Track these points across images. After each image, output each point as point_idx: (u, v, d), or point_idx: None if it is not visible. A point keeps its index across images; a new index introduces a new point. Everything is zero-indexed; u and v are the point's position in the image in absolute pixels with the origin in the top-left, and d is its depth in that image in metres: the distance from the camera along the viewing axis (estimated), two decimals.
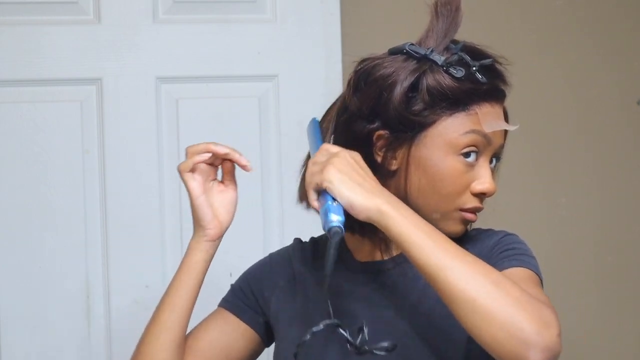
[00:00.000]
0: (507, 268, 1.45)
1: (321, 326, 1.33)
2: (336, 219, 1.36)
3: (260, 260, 1.68)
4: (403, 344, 1.44)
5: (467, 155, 1.47)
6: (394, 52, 1.50)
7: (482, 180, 1.49)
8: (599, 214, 2.63)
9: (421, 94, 1.46)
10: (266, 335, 1.63)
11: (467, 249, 1.51)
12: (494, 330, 1.30)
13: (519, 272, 1.44)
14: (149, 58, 2.36)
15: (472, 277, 1.32)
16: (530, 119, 2.60)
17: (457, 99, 1.46)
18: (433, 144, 1.47)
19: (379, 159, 1.49)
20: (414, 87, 1.47)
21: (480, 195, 1.50)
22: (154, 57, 2.36)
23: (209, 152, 1.56)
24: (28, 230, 2.31)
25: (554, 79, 2.61)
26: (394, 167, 1.49)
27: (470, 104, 1.46)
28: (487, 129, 1.47)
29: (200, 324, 1.63)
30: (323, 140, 1.52)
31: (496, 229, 1.59)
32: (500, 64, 1.53)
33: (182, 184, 2.42)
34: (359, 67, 1.51)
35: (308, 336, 1.33)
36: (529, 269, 1.47)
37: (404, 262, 1.52)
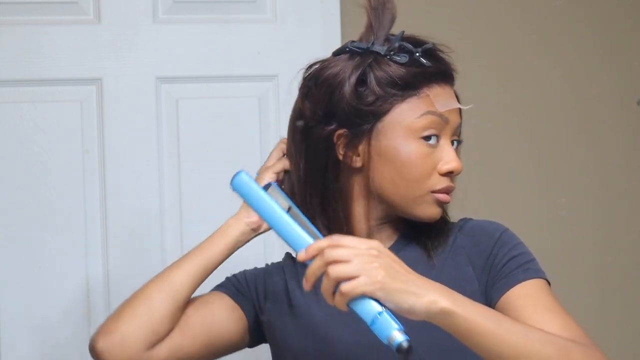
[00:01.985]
0: (521, 281, 1.47)
1: None
2: (401, 333, 1.26)
3: (258, 268, 1.69)
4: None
5: (427, 138, 1.49)
6: (337, 52, 1.54)
7: (447, 159, 1.50)
8: (599, 214, 2.63)
9: (370, 86, 1.49)
10: (255, 332, 1.63)
11: (455, 237, 1.52)
12: None
13: (535, 287, 1.47)
14: (149, 58, 2.36)
15: (539, 348, 1.33)
16: (531, 119, 2.60)
17: (406, 84, 1.48)
18: (392, 133, 1.49)
19: (342, 158, 1.51)
20: (362, 80, 1.49)
21: (449, 174, 1.51)
22: (154, 57, 2.36)
23: None
24: (28, 230, 2.31)
25: (554, 79, 2.60)
26: (358, 163, 1.51)
27: (420, 87, 1.49)
28: (441, 108, 1.49)
29: (198, 298, 1.62)
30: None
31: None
32: (442, 51, 1.55)
33: (182, 184, 2.42)
34: (307, 73, 1.56)
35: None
36: (539, 277, 1.49)
37: None
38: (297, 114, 1.57)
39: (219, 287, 1.65)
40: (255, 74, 2.41)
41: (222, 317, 1.60)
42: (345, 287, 1.25)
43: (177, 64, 2.38)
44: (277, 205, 1.32)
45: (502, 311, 1.46)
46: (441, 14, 2.54)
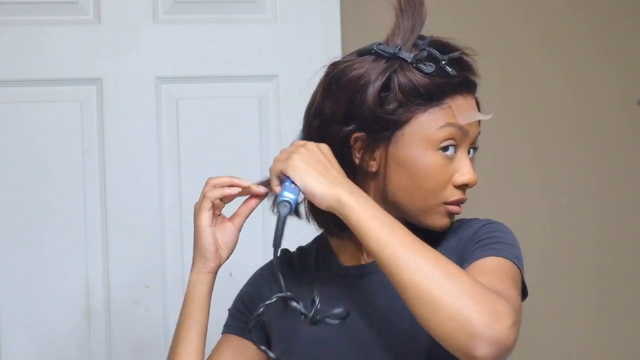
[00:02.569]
0: (479, 258, 1.44)
1: (274, 299, 1.39)
2: (288, 195, 1.42)
3: (250, 278, 1.68)
4: (393, 347, 1.45)
5: (445, 149, 1.48)
6: (362, 53, 1.51)
7: (463, 171, 1.49)
8: (599, 214, 2.63)
9: (394, 93, 1.47)
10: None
11: (448, 238, 1.52)
12: (443, 322, 1.31)
13: (490, 262, 1.44)
14: (149, 58, 2.36)
15: (423, 267, 1.33)
16: (531, 119, 2.60)
17: (430, 95, 1.47)
18: (411, 142, 1.47)
19: (358, 161, 1.50)
20: (386, 86, 1.47)
21: (463, 187, 1.50)
22: (154, 57, 2.36)
23: (234, 185, 1.55)
24: (28, 230, 2.31)
25: (554, 79, 2.60)
26: (373, 168, 1.49)
27: (443, 98, 1.47)
28: (462, 120, 1.48)
29: (212, 356, 1.62)
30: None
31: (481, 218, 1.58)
32: (468, 55, 1.54)
33: (182, 184, 2.42)
34: (330, 71, 1.52)
35: (261, 309, 1.39)
36: (503, 257, 1.45)
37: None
38: (316, 110, 1.54)
39: (229, 328, 1.65)
40: (255, 74, 2.41)
41: None
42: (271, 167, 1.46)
43: (177, 64, 2.38)
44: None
45: None
46: (441, 14, 2.53)
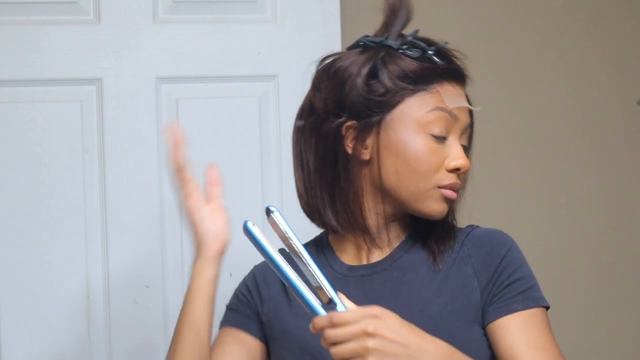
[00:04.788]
0: (521, 310, 1.49)
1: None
2: None
3: (245, 277, 1.68)
4: None
5: (436, 134, 1.50)
6: (351, 47, 1.55)
7: (455, 156, 1.51)
8: (598, 214, 2.63)
9: (382, 78, 1.50)
10: (267, 344, 1.63)
11: (470, 252, 1.52)
12: None
13: (530, 320, 1.49)
14: (149, 58, 2.36)
15: None
16: (531, 119, 2.60)
17: (418, 78, 1.49)
18: (400, 125, 1.49)
19: (351, 151, 1.52)
20: (373, 73, 1.50)
21: (455, 171, 1.51)
22: (154, 57, 2.36)
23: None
24: (28, 230, 2.31)
25: (554, 79, 2.60)
26: (366, 156, 1.51)
27: (431, 83, 1.50)
28: (451, 104, 1.50)
29: (214, 347, 1.61)
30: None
31: (491, 226, 1.59)
32: (456, 53, 1.57)
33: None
34: (319, 66, 1.56)
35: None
36: (539, 306, 1.51)
37: (390, 267, 1.52)
38: (308, 107, 1.57)
39: (228, 322, 1.65)
40: (255, 74, 2.41)
41: (242, 357, 1.60)
42: None
43: (177, 64, 2.38)
44: (284, 264, 1.37)
45: (493, 336, 1.49)
46: (441, 14, 2.54)
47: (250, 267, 1.71)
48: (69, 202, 2.32)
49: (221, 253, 1.57)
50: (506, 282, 1.51)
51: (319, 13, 2.42)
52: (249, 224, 1.37)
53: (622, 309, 2.64)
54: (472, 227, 1.58)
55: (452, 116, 1.50)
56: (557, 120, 2.61)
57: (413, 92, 1.50)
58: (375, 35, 1.55)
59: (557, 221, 2.61)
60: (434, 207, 1.51)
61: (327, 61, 1.55)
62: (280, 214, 1.38)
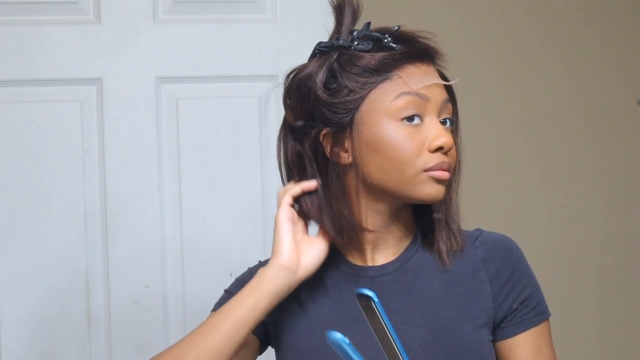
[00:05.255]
0: (531, 327, 1.52)
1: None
2: None
3: (251, 267, 1.65)
4: (412, 349, 1.45)
5: (409, 119, 1.47)
6: (310, 56, 1.54)
7: (434, 135, 1.47)
8: (598, 214, 2.63)
9: (341, 80, 1.48)
10: (264, 337, 1.62)
11: (484, 256, 1.52)
12: None
13: (538, 335, 1.53)
14: (149, 58, 2.36)
15: None
16: (530, 119, 2.60)
17: (375, 70, 1.47)
18: (370, 120, 1.48)
19: (333, 157, 1.50)
20: (331, 76, 1.49)
21: (439, 150, 1.48)
22: (154, 57, 2.36)
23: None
24: (28, 230, 2.31)
25: (554, 79, 2.60)
26: (348, 160, 1.50)
27: (390, 70, 1.48)
28: (415, 86, 1.47)
29: None
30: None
31: (491, 226, 1.59)
32: (415, 32, 1.52)
33: (182, 185, 2.42)
34: (285, 83, 1.55)
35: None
36: (546, 319, 1.55)
37: (400, 269, 1.52)
38: (287, 125, 1.57)
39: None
40: (255, 74, 2.41)
41: (241, 353, 1.58)
42: None
43: (177, 64, 2.38)
44: None
45: (506, 353, 1.53)
46: (441, 14, 2.54)
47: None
48: (69, 202, 2.32)
49: (292, 268, 1.50)
50: (520, 297, 1.52)
51: (319, 13, 2.42)
52: (339, 336, 1.21)
53: (622, 309, 2.64)
54: (480, 231, 1.57)
55: (420, 97, 1.47)
56: (557, 120, 2.61)
57: (375, 84, 1.47)
58: (330, 39, 1.53)
59: (557, 221, 2.61)
60: (428, 192, 1.48)
61: (289, 78, 1.54)
62: (379, 303, 1.23)
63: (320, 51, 1.52)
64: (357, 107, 1.48)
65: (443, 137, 1.47)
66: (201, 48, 2.38)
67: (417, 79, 1.47)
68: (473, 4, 2.57)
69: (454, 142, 1.52)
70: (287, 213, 1.53)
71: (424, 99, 1.47)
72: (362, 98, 1.48)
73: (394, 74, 1.47)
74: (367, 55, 1.48)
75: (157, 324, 2.34)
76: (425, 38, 1.51)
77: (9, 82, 2.32)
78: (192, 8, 2.39)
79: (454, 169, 1.53)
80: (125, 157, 2.35)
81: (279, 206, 1.54)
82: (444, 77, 1.52)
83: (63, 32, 2.34)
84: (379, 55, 1.48)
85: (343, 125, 1.49)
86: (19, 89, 2.33)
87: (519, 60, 2.59)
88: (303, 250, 1.52)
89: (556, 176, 2.61)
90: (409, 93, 1.47)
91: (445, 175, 1.48)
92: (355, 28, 1.53)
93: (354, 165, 1.50)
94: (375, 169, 1.49)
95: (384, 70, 1.47)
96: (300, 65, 1.55)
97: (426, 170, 1.47)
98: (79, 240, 2.32)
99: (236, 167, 2.37)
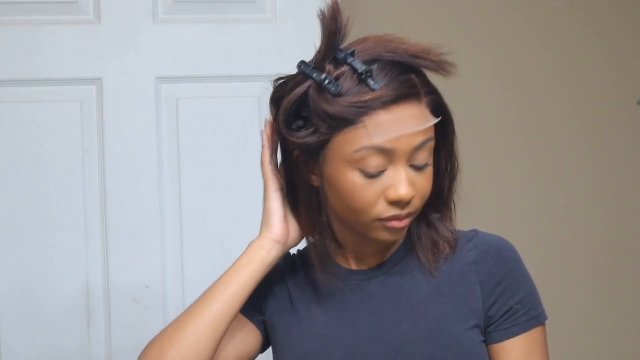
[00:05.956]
0: (521, 333, 1.49)
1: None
2: None
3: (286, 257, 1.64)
4: (403, 351, 1.45)
5: (368, 174, 1.40)
6: (295, 74, 1.46)
7: (395, 187, 1.40)
8: (598, 214, 2.63)
9: (309, 114, 1.41)
10: (265, 338, 1.62)
11: (476, 258, 1.50)
12: None
13: (530, 340, 1.49)
14: (149, 58, 2.36)
15: None
16: (531, 119, 2.60)
17: (341, 118, 1.38)
18: (333, 162, 1.41)
19: (304, 176, 1.47)
20: (304, 104, 1.41)
21: (398, 203, 1.41)
22: (154, 57, 2.36)
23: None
24: (28, 230, 2.31)
25: (554, 79, 2.61)
26: (317, 183, 1.46)
27: (359, 117, 1.37)
28: (379, 139, 1.37)
29: None
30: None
31: (491, 230, 1.57)
32: (402, 66, 1.41)
33: (182, 184, 2.42)
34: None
35: None
36: (540, 324, 1.50)
37: (389, 273, 1.51)
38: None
39: None
40: (255, 74, 2.41)
41: (244, 344, 1.58)
42: None
43: (177, 64, 2.38)
44: None
45: (493, 358, 1.49)
46: (441, 14, 2.54)
47: None
48: (69, 202, 2.32)
49: (281, 239, 1.51)
50: (512, 301, 1.49)
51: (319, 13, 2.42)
52: None
53: (622, 309, 2.64)
54: (475, 232, 1.54)
55: (383, 150, 1.38)
56: (557, 120, 2.61)
57: (340, 129, 1.39)
58: (315, 56, 1.44)
59: (557, 221, 2.61)
60: (381, 238, 1.45)
61: (272, 88, 1.49)
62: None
63: (303, 73, 1.43)
64: (323, 146, 1.41)
65: (403, 190, 1.40)
66: (201, 48, 2.38)
67: (383, 130, 1.37)
68: (473, 4, 2.57)
69: (453, 161, 1.48)
70: (276, 184, 1.52)
71: (388, 151, 1.39)
72: (326, 141, 1.40)
73: (361, 120, 1.37)
74: (335, 100, 1.38)
75: (157, 324, 2.33)
76: (426, 62, 1.41)
77: (9, 82, 2.32)
78: (192, 8, 2.39)
79: (450, 192, 1.50)
80: (125, 157, 2.35)
81: (266, 179, 1.53)
82: (439, 106, 1.43)
83: (63, 32, 2.34)
84: (348, 100, 1.37)
85: (311, 156, 1.44)
86: (19, 89, 2.33)
87: (519, 60, 2.59)
88: (290, 223, 1.52)
89: (556, 176, 2.61)
90: (370, 148, 1.38)
91: (399, 225, 1.43)
92: (341, 49, 1.42)
93: (321, 190, 1.46)
94: (334, 204, 1.45)
95: (350, 118, 1.38)
96: (283, 79, 1.48)
97: (380, 220, 1.42)
98: (79, 240, 2.32)
99: (236, 167, 2.37)
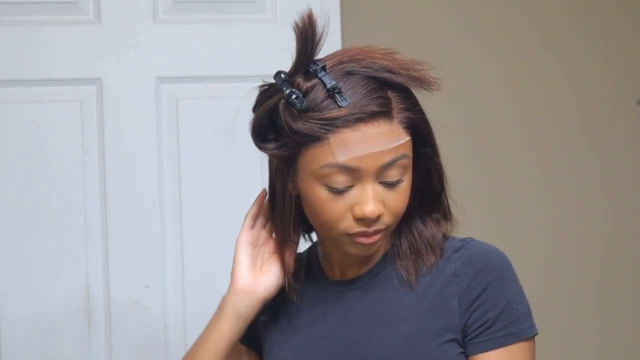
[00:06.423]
0: (497, 348, 1.43)
1: None
2: None
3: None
4: None
5: (333, 189, 1.39)
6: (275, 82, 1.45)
7: (360, 205, 1.38)
8: (598, 214, 2.63)
9: (280, 125, 1.40)
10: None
11: (457, 270, 1.45)
12: None
13: (514, 355, 1.43)
14: (149, 58, 2.36)
15: None
16: (530, 119, 2.60)
17: (306, 134, 1.37)
18: (302, 174, 1.41)
19: (285, 184, 1.46)
20: (270, 125, 1.41)
21: (364, 220, 1.40)
22: (154, 57, 2.36)
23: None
24: (28, 230, 2.31)
25: (554, 79, 2.60)
26: (294, 192, 1.45)
27: (323, 134, 1.36)
28: (342, 157, 1.36)
29: None
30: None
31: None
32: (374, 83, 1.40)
33: (182, 184, 2.42)
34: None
35: None
36: (521, 341, 1.44)
37: (368, 284, 1.50)
38: None
39: None
40: (255, 74, 2.39)
41: None
42: None
43: (177, 64, 2.38)
44: None
45: None
46: (441, 14, 2.54)
47: None
48: (69, 202, 2.32)
49: (248, 311, 1.50)
50: (490, 314, 1.43)
51: (319, 13, 2.42)
52: None
53: (622, 309, 2.64)
54: (466, 241, 1.49)
55: (347, 168, 1.36)
56: (557, 120, 2.61)
57: (307, 144, 1.37)
58: (292, 66, 1.43)
59: (557, 221, 2.61)
60: (351, 251, 1.44)
61: (256, 93, 1.49)
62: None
63: (279, 82, 1.43)
64: (292, 160, 1.41)
65: (368, 208, 1.38)
66: (201, 48, 2.38)
67: (347, 149, 1.36)
68: (473, 4, 2.57)
69: (440, 173, 1.46)
70: (246, 237, 1.53)
71: (352, 169, 1.37)
72: (295, 155, 1.40)
73: (325, 138, 1.36)
74: (300, 115, 1.37)
75: (157, 324, 2.33)
76: (402, 78, 1.38)
77: (9, 82, 2.32)
78: (192, 8, 2.39)
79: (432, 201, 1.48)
80: (125, 157, 2.35)
81: (239, 236, 1.54)
82: (415, 123, 1.40)
83: (63, 32, 2.34)
84: (314, 116, 1.36)
85: (285, 166, 1.43)
86: (19, 89, 2.33)
87: (519, 60, 2.59)
88: (263, 271, 1.50)
89: (556, 176, 2.61)
90: (334, 165, 1.37)
91: (369, 241, 1.42)
92: (315, 61, 1.42)
93: (299, 199, 1.45)
94: (310, 217, 1.45)
95: (314, 135, 1.36)
96: (265, 86, 1.47)
97: (349, 235, 1.41)
98: (79, 240, 2.32)
99: (236, 167, 2.37)
